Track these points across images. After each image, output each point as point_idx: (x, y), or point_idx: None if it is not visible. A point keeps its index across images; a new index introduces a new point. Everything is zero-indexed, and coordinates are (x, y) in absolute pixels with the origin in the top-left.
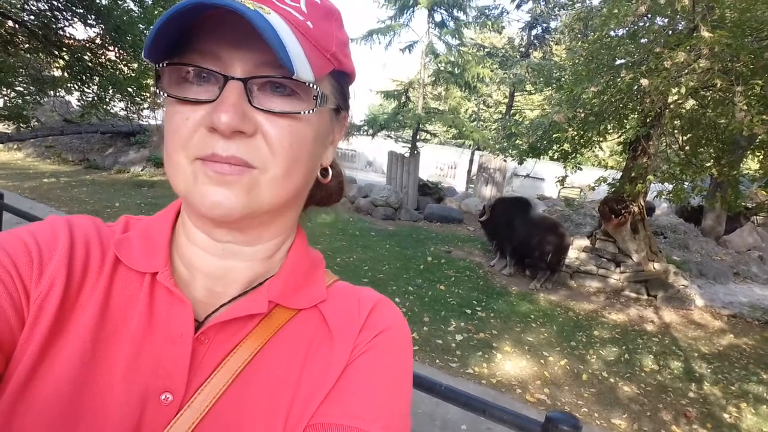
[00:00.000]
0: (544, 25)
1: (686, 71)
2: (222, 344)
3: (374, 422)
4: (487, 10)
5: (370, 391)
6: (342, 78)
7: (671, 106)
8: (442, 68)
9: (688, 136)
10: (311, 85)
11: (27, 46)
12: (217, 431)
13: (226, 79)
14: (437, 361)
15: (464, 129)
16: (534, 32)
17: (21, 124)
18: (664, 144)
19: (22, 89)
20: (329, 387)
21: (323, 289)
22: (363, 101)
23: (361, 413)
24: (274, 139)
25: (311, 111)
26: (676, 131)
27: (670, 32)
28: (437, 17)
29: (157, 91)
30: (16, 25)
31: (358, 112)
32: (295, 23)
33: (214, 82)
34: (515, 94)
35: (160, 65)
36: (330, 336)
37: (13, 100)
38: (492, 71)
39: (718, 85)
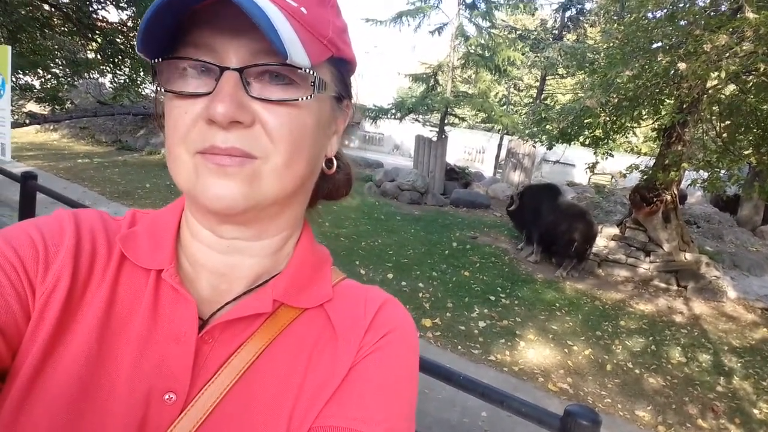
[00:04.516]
0: (579, 6)
1: (727, 55)
2: (226, 344)
3: (378, 425)
4: None
5: (375, 393)
6: (342, 66)
7: (710, 91)
8: (472, 51)
9: (727, 122)
10: (308, 71)
11: (63, 29)
12: (220, 431)
13: (221, 69)
14: (459, 347)
15: (493, 113)
16: (568, 14)
17: (56, 106)
18: (701, 131)
19: (57, 71)
20: (333, 389)
21: (329, 288)
22: (391, 84)
23: (364, 416)
24: (273, 128)
25: (309, 97)
26: (713, 117)
27: (712, 13)
28: None
29: (155, 86)
30: (52, 9)
31: (386, 96)
32: (288, 9)
33: (211, 74)
34: (547, 77)
35: (156, 61)
36: (335, 337)
37: (48, 82)
38: (523, 54)
39: (762, 69)
